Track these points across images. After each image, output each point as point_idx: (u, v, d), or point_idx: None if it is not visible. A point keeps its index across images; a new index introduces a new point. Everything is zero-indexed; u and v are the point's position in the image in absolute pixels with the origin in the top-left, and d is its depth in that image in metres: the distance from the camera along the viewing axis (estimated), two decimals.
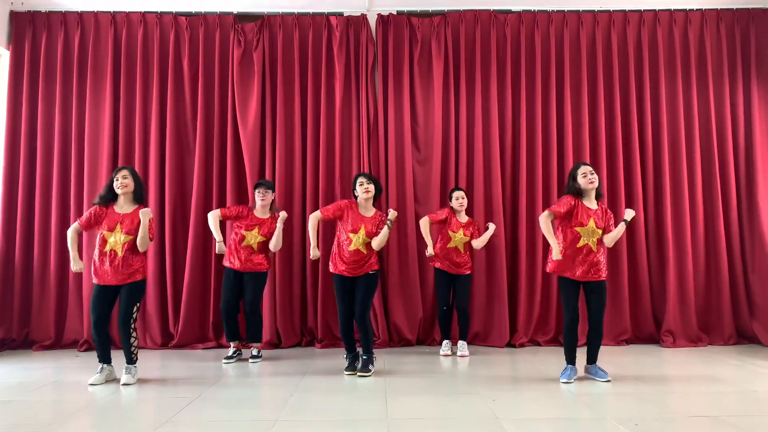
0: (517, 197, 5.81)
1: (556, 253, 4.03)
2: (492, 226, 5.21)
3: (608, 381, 4.03)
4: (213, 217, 4.95)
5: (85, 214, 4.25)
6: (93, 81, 5.85)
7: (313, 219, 4.49)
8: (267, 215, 5.07)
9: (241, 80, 5.84)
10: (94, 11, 5.94)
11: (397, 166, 5.80)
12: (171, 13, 5.97)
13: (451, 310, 5.29)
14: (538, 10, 6.00)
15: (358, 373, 4.32)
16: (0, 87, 5.93)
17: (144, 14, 5.94)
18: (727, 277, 5.69)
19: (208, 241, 5.75)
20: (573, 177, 4.15)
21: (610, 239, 4.08)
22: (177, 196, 5.79)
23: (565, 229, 4.10)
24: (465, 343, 5.19)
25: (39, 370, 4.66)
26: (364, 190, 4.43)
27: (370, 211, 4.50)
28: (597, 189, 4.12)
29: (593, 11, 6.02)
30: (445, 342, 5.24)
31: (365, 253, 4.39)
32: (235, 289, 4.99)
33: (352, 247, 4.37)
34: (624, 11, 6.02)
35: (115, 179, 4.18)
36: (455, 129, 5.90)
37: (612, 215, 4.19)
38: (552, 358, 4.96)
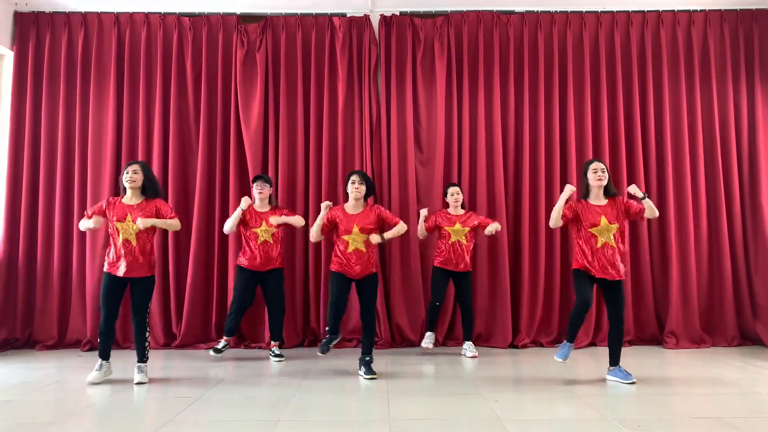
0: (520, 198, 5.81)
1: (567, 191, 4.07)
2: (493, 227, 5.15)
3: (633, 383, 3.99)
4: (227, 223, 5.07)
5: (96, 205, 4.28)
6: (96, 81, 5.86)
7: (314, 233, 4.51)
8: (267, 208, 5.10)
9: (244, 81, 5.85)
10: (97, 12, 5.96)
11: (399, 167, 5.80)
12: (174, 13, 5.98)
13: (441, 307, 5.28)
14: (540, 11, 6.00)
15: (366, 376, 4.25)
16: (4, 88, 5.96)
17: (147, 15, 5.96)
18: (731, 278, 5.68)
19: (211, 241, 5.76)
20: (584, 172, 4.19)
21: (650, 213, 4.04)
22: (180, 197, 5.80)
23: (580, 234, 4.11)
24: (471, 343, 5.18)
25: (42, 370, 4.67)
26: (355, 189, 4.45)
27: (359, 209, 4.51)
28: (608, 187, 4.12)
29: (596, 12, 6.01)
30: (429, 333, 5.20)
31: (365, 251, 4.40)
32: (253, 289, 5.05)
33: (350, 249, 4.39)
34: (627, 12, 6.01)
35: (125, 172, 4.22)
36: (458, 129, 5.90)
37: (628, 200, 4.17)
38: (555, 360, 4.94)
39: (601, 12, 6.01)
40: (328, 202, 4.46)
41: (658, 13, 6.00)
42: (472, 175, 5.85)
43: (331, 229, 4.52)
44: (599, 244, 4.02)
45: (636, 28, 6.00)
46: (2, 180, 5.80)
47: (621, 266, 4.06)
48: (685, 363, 4.82)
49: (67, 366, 4.82)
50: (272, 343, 5.10)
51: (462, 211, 5.27)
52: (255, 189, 5.12)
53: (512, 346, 5.56)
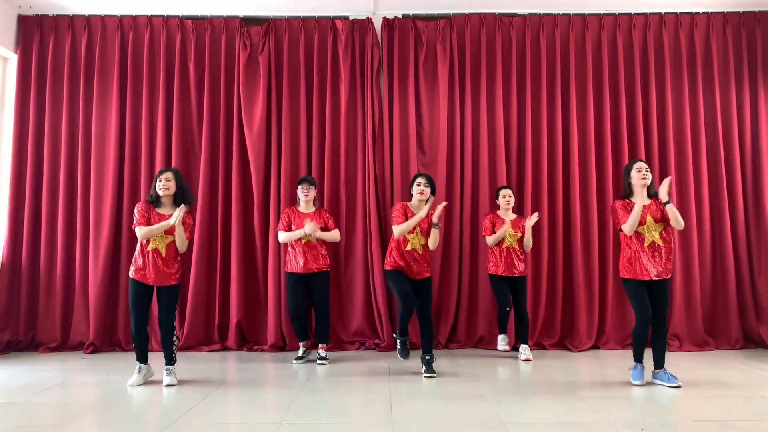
0: (522, 201, 5.80)
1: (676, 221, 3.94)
2: (534, 217, 5.17)
3: (678, 386, 3.96)
4: (283, 236, 4.95)
5: (137, 213, 4.14)
6: (100, 84, 5.88)
7: (403, 230, 4.41)
8: (312, 209, 5.06)
9: (246, 83, 5.87)
10: (101, 15, 5.98)
11: (402, 170, 5.80)
12: (177, 16, 6.00)
13: (510, 311, 5.24)
14: (543, 14, 6.00)
15: (426, 375, 4.34)
16: (8, 90, 5.98)
17: (150, 18, 5.98)
18: (734, 281, 5.67)
19: (214, 244, 5.77)
20: (627, 172, 4.18)
21: (675, 222, 3.98)
22: None
23: (629, 235, 4.07)
24: (527, 346, 5.16)
25: (45, 372, 4.68)
26: (419, 191, 4.47)
27: (423, 211, 4.54)
28: (651, 188, 4.13)
29: (599, 14, 6.01)
30: (502, 336, 5.19)
31: (421, 253, 4.46)
32: (302, 292, 4.99)
33: (408, 247, 4.43)
34: (629, 14, 6.01)
35: (158, 180, 4.19)
36: (460, 132, 5.90)
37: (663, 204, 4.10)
38: (557, 362, 4.95)
39: (603, 14, 6.02)
40: (444, 203, 4.47)
41: (660, 16, 6.00)
42: (474, 177, 5.85)
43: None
44: (647, 243, 4.01)
45: (638, 30, 6.00)
46: (6, 182, 5.82)
47: (669, 265, 4.03)
48: (688, 366, 4.80)
49: (70, 368, 4.83)
50: (319, 345, 5.02)
51: (513, 216, 5.27)
52: (301, 192, 5.03)
53: (515, 349, 5.54)
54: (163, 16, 5.99)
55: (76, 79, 5.94)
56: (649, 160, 5.82)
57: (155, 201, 4.23)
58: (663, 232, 4.04)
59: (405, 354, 4.49)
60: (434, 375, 4.34)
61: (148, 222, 4.14)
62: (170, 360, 4.24)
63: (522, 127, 5.91)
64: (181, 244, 4.20)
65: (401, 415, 3.36)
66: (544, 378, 4.35)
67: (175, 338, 4.26)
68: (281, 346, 5.60)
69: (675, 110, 5.90)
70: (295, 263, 4.94)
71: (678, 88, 5.92)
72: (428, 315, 4.49)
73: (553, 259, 5.74)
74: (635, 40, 5.96)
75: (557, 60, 5.92)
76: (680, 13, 6.00)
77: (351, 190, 5.85)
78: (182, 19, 5.99)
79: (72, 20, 5.98)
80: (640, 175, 4.08)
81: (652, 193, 4.16)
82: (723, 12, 6.00)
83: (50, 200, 5.78)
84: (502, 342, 5.19)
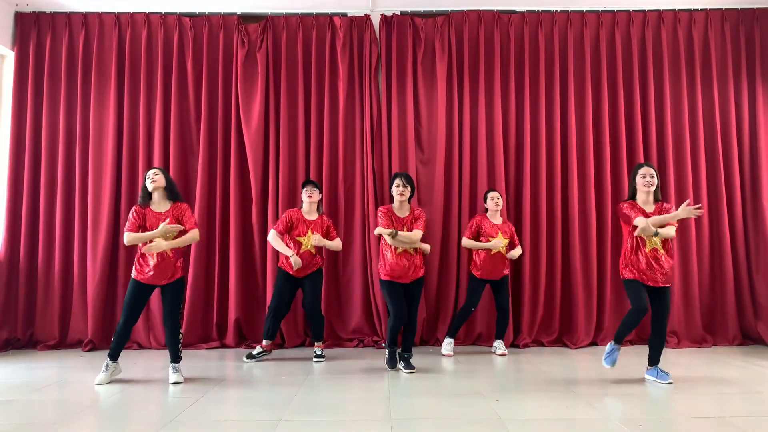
0: (521, 198, 5.81)
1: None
2: (518, 251, 5.24)
3: (670, 383, 3.98)
4: (273, 237, 4.90)
5: (132, 215, 4.13)
6: (97, 82, 5.87)
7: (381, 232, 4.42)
8: (315, 216, 5.01)
9: (244, 81, 5.86)
10: (98, 12, 5.96)
11: (400, 167, 5.79)
12: (175, 14, 5.98)
13: (473, 311, 5.27)
14: (541, 11, 6.00)
15: (406, 371, 4.39)
16: (5, 88, 5.97)
17: (148, 15, 5.96)
18: (732, 278, 5.68)
19: (212, 241, 5.77)
20: (633, 175, 4.13)
21: (656, 221, 3.89)
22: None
23: (632, 237, 4.05)
24: (502, 341, 5.20)
25: (43, 370, 4.68)
26: (399, 192, 4.46)
27: (405, 212, 4.54)
28: (655, 192, 4.06)
29: (597, 11, 6.01)
30: (449, 340, 5.19)
31: (412, 253, 4.46)
32: (291, 291, 4.98)
33: (399, 251, 4.44)
34: (628, 11, 6.01)
35: (147, 177, 4.20)
36: (459, 129, 5.90)
37: (672, 208, 4.04)
38: (556, 359, 4.95)
39: (602, 11, 6.01)
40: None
41: (658, 12, 6.00)
42: (472, 175, 5.85)
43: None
44: (648, 248, 3.99)
45: (637, 27, 5.99)
46: (3, 180, 5.80)
47: (669, 272, 4.02)
48: (686, 362, 4.82)
49: (68, 366, 4.83)
50: (315, 343, 5.03)
51: (501, 220, 5.24)
52: (305, 194, 4.98)
53: (513, 345, 5.56)
54: (160, 13, 5.98)
55: (73, 77, 5.93)
56: (647, 158, 5.83)
57: (147, 198, 4.23)
58: (663, 240, 4.01)
59: (393, 364, 4.51)
60: (414, 371, 4.39)
61: (141, 227, 4.15)
62: (176, 358, 4.23)
63: (520, 124, 5.91)
64: (186, 242, 4.18)
65: (400, 412, 3.36)
66: (543, 375, 4.36)
67: (181, 336, 4.25)
68: (279, 343, 5.60)
69: (673, 107, 5.90)
70: (291, 266, 4.88)
71: (676, 86, 5.92)
72: (413, 316, 4.53)
73: (552, 256, 5.74)
74: (633, 37, 5.96)
75: (555, 57, 5.92)
76: (679, 10, 6.00)
77: (349, 188, 5.84)
78: (180, 17, 5.97)
79: (69, 17, 5.96)
80: (644, 181, 4.03)
81: (657, 198, 4.10)
82: (721, 9, 6.00)
83: (48, 198, 5.77)
84: (447, 346, 5.15)
